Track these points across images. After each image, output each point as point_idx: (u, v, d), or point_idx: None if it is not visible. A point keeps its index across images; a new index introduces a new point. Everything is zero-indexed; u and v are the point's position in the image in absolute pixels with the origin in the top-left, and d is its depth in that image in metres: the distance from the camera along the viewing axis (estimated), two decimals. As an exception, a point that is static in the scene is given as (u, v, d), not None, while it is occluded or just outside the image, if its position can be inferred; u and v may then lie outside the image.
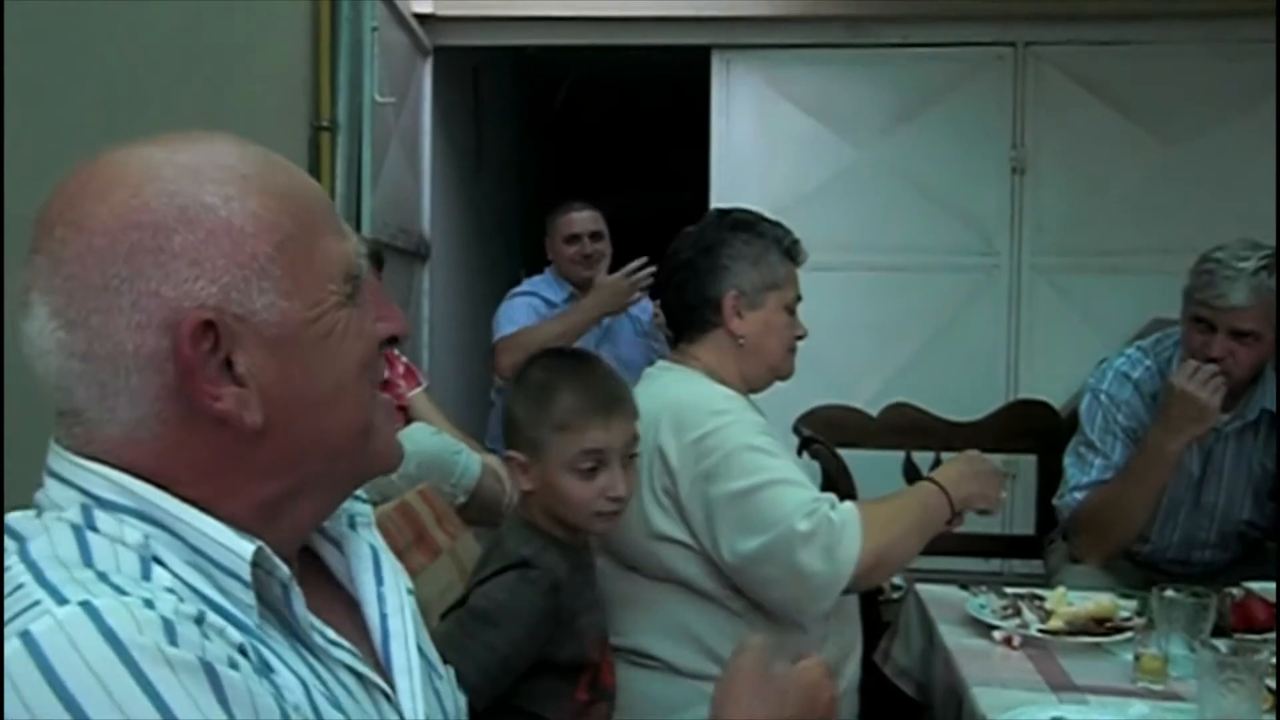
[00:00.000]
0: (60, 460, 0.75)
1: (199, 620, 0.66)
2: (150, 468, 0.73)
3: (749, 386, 1.86)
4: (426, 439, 2.57)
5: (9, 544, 0.71)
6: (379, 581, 0.87)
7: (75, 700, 0.61)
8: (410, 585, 0.97)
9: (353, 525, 0.89)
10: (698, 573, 1.71)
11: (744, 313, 1.82)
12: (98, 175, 0.74)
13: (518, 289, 3.43)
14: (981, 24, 3.83)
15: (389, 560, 0.89)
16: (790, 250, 1.86)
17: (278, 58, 2.71)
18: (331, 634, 0.78)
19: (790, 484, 1.67)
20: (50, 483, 0.75)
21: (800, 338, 1.87)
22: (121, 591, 0.66)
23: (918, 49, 3.89)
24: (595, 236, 3.36)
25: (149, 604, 0.65)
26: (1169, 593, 1.65)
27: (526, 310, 3.31)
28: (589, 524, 1.57)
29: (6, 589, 0.67)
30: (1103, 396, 2.25)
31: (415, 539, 1.75)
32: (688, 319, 1.86)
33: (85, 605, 0.63)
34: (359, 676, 0.79)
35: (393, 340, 0.84)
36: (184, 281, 0.72)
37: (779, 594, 1.66)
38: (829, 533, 1.62)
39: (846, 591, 1.66)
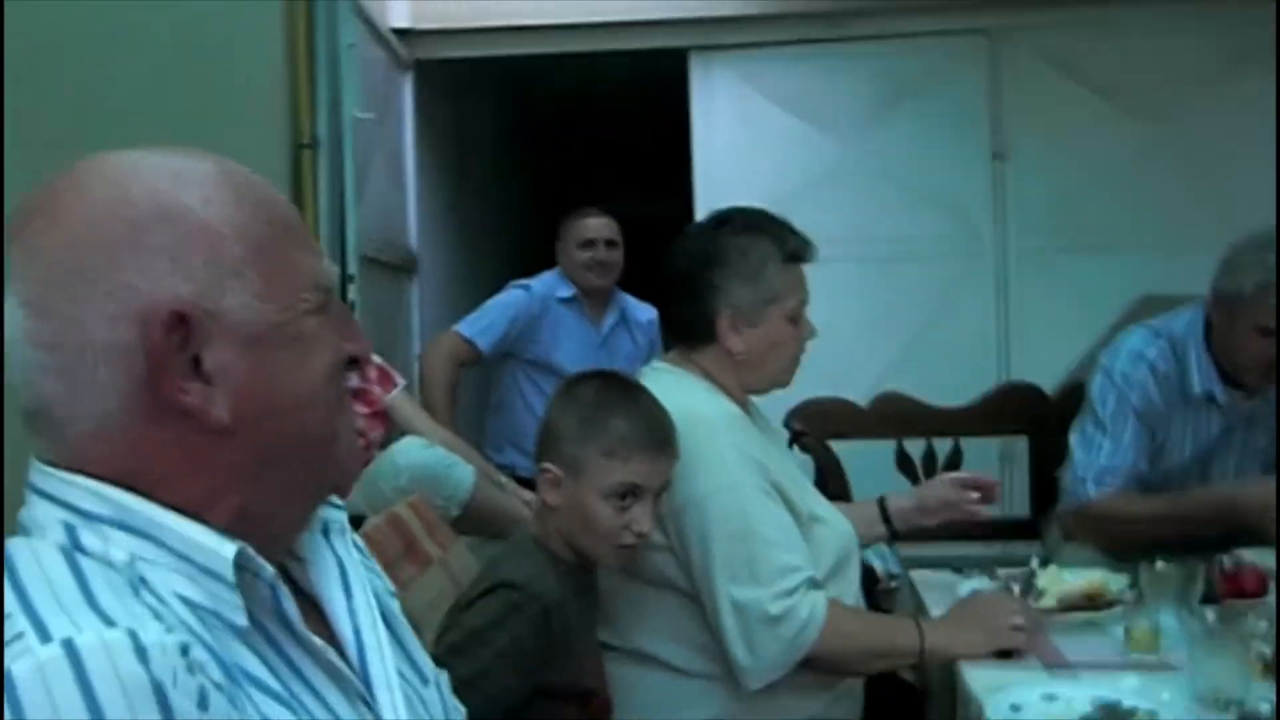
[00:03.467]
0: (41, 475, 0.75)
1: (184, 651, 0.66)
2: (124, 468, 0.74)
3: (747, 392, 1.83)
4: (419, 452, 2.57)
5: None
6: (348, 596, 0.87)
7: None
8: (391, 588, 0.97)
9: (325, 532, 0.89)
10: (678, 574, 1.70)
11: (742, 330, 1.76)
12: (79, 173, 0.76)
13: (517, 281, 3.42)
14: (954, 12, 3.83)
15: (356, 573, 0.88)
16: (794, 254, 1.78)
17: (255, 77, 2.71)
18: (319, 641, 0.78)
19: (770, 544, 1.63)
20: (32, 499, 0.75)
21: (809, 338, 1.82)
22: (109, 621, 0.65)
23: (894, 40, 3.89)
24: (610, 244, 3.35)
25: (133, 636, 0.64)
26: (1159, 565, 1.66)
27: (502, 307, 3.30)
28: (605, 554, 1.55)
29: None
30: (1116, 376, 2.19)
31: (405, 549, 1.75)
32: (685, 332, 1.81)
33: (67, 645, 0.63)
34: (342, 686, 0.79)
35: (354, 361, 0.85)
36: (161, 276, 0.74)
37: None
38: (790, 625, 1.60)
39: None
